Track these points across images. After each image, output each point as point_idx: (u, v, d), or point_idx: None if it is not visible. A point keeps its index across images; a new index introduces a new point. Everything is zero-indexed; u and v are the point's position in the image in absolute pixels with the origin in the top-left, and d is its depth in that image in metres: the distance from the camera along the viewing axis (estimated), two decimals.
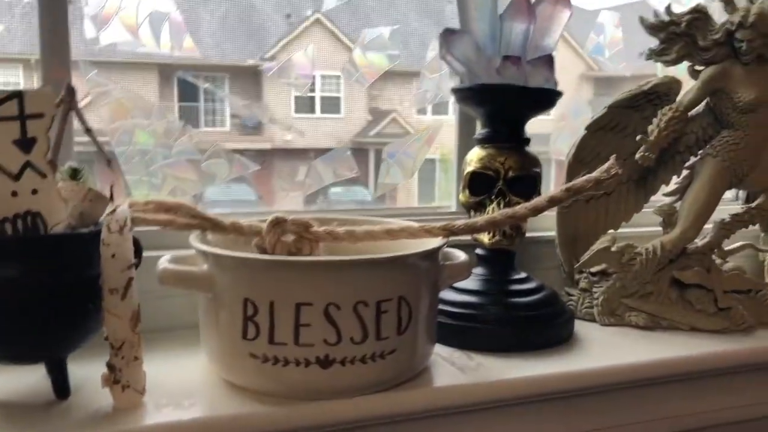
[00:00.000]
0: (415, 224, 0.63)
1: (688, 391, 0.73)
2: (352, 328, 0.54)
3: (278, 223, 0.62)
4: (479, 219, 0.62)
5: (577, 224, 0.83)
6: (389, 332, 0.56)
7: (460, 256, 0.65)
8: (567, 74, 1.14)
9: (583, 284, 0.80)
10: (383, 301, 0.55)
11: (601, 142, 0.81)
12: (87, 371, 0.57)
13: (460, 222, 0.62)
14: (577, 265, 0.79)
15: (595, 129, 0.81)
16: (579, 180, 0.61)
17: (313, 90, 1.45)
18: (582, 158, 0.82)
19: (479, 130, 0.74)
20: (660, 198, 0.84)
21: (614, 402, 0.69)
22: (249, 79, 1.33)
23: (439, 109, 1.10)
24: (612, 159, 0.60)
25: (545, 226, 0.86)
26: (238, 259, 0.55)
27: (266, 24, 1.22)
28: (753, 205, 0.79)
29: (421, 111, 1.20)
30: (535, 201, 0.61)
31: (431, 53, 0.96)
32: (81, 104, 0.60)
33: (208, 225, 0.62)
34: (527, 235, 0.85)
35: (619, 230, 0.84)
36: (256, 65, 1.23)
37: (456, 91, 0.72)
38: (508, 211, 0.61)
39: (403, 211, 0.91)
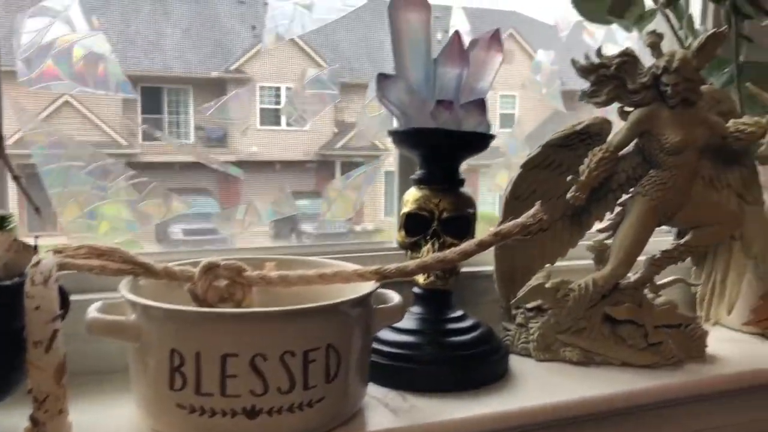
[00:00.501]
0: (349, 268, 0.64)
1: (620, 427, 0.75)
2: (278, 378, 0.54)
3: (210, 269, 0.62)
4: (411, 263, 0.63)
5: (515, 260, 0.85)
6: (317, 381, 0.56)
7: (394, 298, 0.65)
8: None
9: (519, 319, 0.82)
10: (311, 350, 0.55)
11: (536, 179, 0.83)
12: (10, 424, 0.56)
13: (392, 266, 0.63)
14: (513, 301, 0.81)
15: (531, 167, 0.83)
16: (507, 225, 0.62)
17: (278, 102, 1.45)
18: (518, 195, 0.83)
19: (416, 171, 0.75)
20: (595, 233, 0.86)
21: None
22: (213, 90, 1.32)
23: None
24: (537, 205, 0.61)
25: (485, 260, 0.87)
26: (164, 311, 0.55)
27: (230, 36, 1.23)
28: (681, 242, 0.81)
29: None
30: (465, 245, 0.62)
31: None
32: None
33: (140, 270, 0.62)
34: (468, 270, 0.87)
35: (558, 264, 0.86)
36: (221, 77, 1.23)
37: (392, 134, 0.74)
38: (439, 255, 0.63)
39: (348, 247, 0.91)
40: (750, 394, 0.81)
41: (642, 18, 0.89)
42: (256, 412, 0.54)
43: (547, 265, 0.85)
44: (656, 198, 0.77)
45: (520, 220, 0.62)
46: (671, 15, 0.91)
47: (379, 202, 1.37)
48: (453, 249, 0.62)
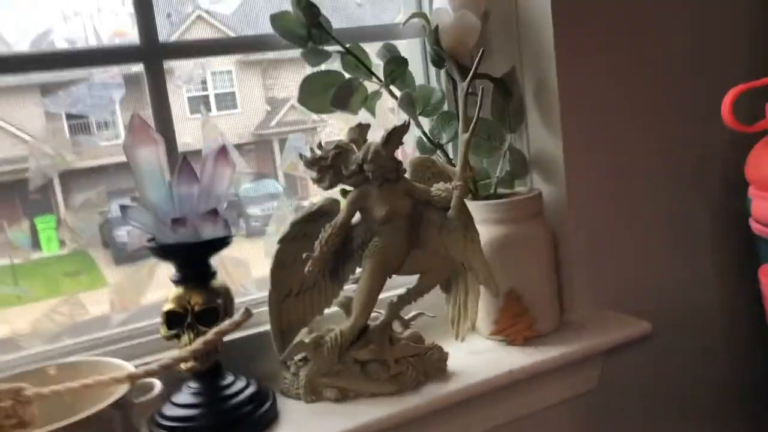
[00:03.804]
0: (106, 377, 0.79)
1: None
2: None
3: None
4: (153, 364, 0.79)
5: (288, 316, 1.01)
6: None
7: (155, 388, 0.82)
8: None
9: (292, 369, 0.99)
10: None
11: (296, 248, 0.99)
12: None
13: (140, 370, 0.79)
14: (281, 357, 0.98)
15: (288, 240, 0.99)
16: (224, 324, 0.79)
17: (205, 89, 1.45)
18: (283, 265, 1.00)
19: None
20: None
21: None
22: (134, 83, 1.26)
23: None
24: (243, 308, 0.78)
25: (265, 320, 1.04)
26: None
27: None
28: (412, 288, 1.00)
29: None
30: (194, 346, 0.79)
31: None
32: None
33: None
34: (254, 331, 1.04)
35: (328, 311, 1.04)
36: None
37: (148, 249, 0.89)
38: (175, 355, 0.79)
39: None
40: (486, 400, 1.01)
41: (367, 100, 1.06)
42: None
43: (318, 317, 1.03)
44: (377, 259, 0.95)
45: (234, 319, 0.79)
46: (396, 90, 1.08)
47: None
48: (185, 348, 0.79)
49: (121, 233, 1.37)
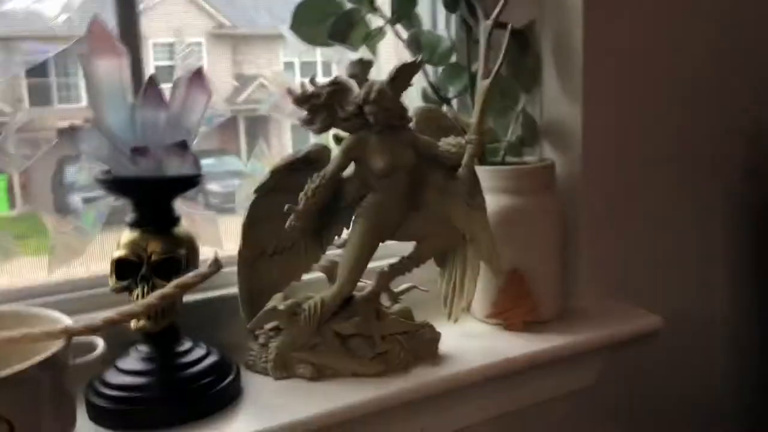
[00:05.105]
0: (37, 330, 0.65)
1: None
2: None
3: None
4: (97, 319, 0.65)
5: (260, 280, 0.88)
6: None
7: (97, 348, 0.67)
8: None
9: (261, 340, 0.86)
10: None
11: (272, 202, 0.85)
12: None
13: (80, 324, 0.64)
14: (249, 325, 0.84)
15: (264, 192, 0.85)
16: (187, 276, 0.65)
17: (172, 59, 1.40)
18: (255, 220, 0.86)
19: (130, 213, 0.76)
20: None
21: None
22: None
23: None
24: (213, 254, 0.64)
25: (233, 281, 0.90)
26: None
27: None
28: (406, 255, 0.87)
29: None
30: (147, 299, 0.65)
31: None
32: None
33: None
34: (222, 293, 0.90)
35: (307, 277, 0.90)
36: None
37: (98, 182, 0.74)
38: (124, 309, 0.65)
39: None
40: (480, 389, 0.89)
41: (369, 37, 0.92)
42: None
43: (294, 283, 0.89)
44: (371, 219, 0.82)
45: (200, 270, 0.65)
46: (402, 31, 0.94)
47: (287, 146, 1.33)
48: (137, 302, 0.64)
49: (76, 199, 1.27)
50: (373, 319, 0.84)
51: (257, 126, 1.31)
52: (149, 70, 1.24)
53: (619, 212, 1.08)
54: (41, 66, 1.21)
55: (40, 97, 1.19)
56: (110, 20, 0.86)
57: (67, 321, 0.67)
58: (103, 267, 0.80)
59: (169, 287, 0.64)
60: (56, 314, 0.69)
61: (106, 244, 0.89)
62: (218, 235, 1.02)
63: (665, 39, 1.07)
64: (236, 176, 1.37)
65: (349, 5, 0.90)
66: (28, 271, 1.07)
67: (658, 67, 1.07)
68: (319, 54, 1.16)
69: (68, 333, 0.64)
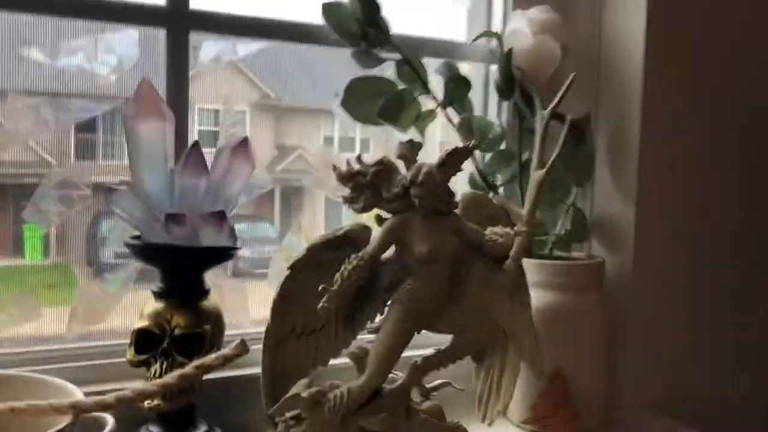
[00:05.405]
0: (44, 403, 0.60)
1: None
2: None
3: None
4: (110, 396, 0.60)
5: (285, 361, 0.82)
6: None
7: (106, 426, 0.62)
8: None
9: (280, 428, 0.79)
10: None
11: (305, 279, 0.81)
12: None
13: (90, 400, 0.60)
14: (269, 411, 0.79)
15: (300, 268, 0.81)
16: (210, 357, 0.60)
17: (217, 124, 1.42)
18: (288, 296, 0.82)
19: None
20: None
21: None
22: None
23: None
24: (238, 340, 0.60)
25: (256, 361, 0.85)
26: None
27: None
28: (441, 348, 0.81)
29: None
30: (165, 379, 0.60)
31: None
32: None
33: None
34: (242, 373, 0.85)
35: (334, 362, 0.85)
36: None
37: (128, 246, 0.71)
38: (127, 393, 0.60)
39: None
40: None
41: (420, 118, 0.90)
42: None
43: (320, 367, 0.83)
44: (408, 306, 0.77)
45: (224, 352, 0.60)
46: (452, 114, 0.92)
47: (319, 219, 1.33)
48: (154, 381, 0.60)
49: (108, 253, 1.27)
50: (402, 417, 0.78)
51: (292, 196, 1.31)
52: (193, 135, 1.27)
53: (669, 318, 1.01)
54: (90, 122, 1.25)
55: (85, 152, 1.20)
56: (161, 84, 0.85)
57: (78, 394, 0.62)
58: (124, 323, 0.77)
59: (190, 367, 0.60)
60: (67, 385, 0.65)
61: (132, 303, 0.87)
62: (246, 305, 0.98)
63: (722, 139, 1.03)
64: (267, 243, 1.36)
65: (402, 86, 0.88)
66: (52, 320, 1.05)
67: (714, 167, 1.03)
68: (359, 131, 1.15)
69: (77, 409, 0.59)
